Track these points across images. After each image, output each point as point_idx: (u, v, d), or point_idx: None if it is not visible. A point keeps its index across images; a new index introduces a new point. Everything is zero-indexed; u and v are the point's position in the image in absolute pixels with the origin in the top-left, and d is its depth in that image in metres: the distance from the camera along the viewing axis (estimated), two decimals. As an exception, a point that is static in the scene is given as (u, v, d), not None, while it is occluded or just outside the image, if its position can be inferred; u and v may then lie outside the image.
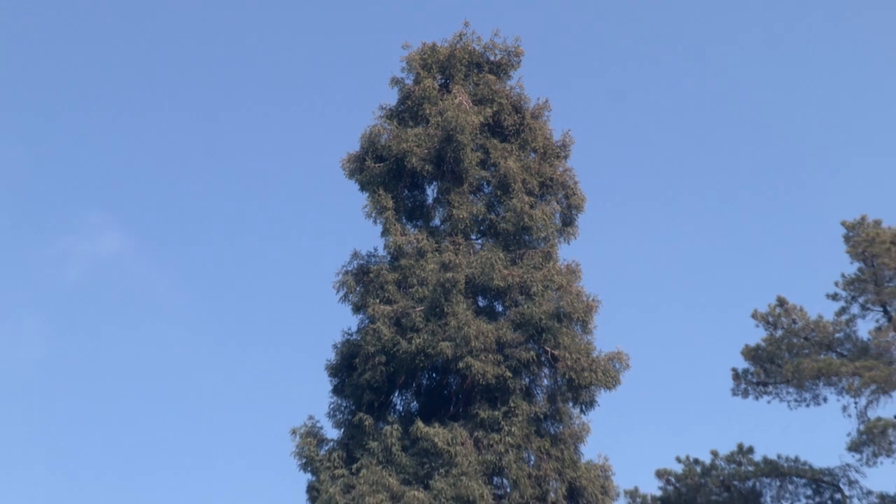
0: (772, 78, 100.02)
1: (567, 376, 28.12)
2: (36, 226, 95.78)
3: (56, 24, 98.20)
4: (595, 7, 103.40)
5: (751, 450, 38.57)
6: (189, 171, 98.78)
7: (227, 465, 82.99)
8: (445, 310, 28.04)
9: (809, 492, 38.53)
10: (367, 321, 29.16)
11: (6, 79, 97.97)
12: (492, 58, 33.22)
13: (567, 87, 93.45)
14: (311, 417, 29.17)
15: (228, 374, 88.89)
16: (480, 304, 29.35)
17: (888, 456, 37.29)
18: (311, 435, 28.66)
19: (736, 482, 38.13)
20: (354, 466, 27.09)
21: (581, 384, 28.21)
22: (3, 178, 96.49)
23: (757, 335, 39.75)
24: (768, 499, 38.46)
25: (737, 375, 39.85)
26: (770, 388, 39.20)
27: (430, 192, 31.72)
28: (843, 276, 38.86)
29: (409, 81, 32.50)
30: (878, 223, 38.43)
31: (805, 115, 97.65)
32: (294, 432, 28.68)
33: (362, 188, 31.13)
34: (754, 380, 39.48)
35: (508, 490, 27.02)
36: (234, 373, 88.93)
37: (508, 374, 27.58)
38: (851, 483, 38.30)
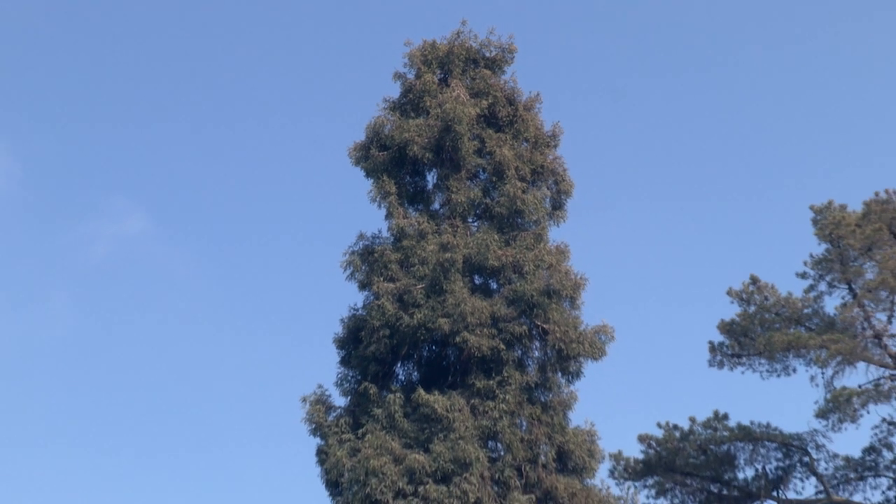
0: (748, 68, 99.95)
1: (556, 348, 28.22)
2: (64, 210, 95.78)
3: (84, 19, 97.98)
4: (583, 8, 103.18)
5: (726, 416, 38.69)
6: (206, 160, 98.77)
7: (242, 431, 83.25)
8: (444, 287, 28.14)
9: (780, 455, 38.67)
10: (372, 298, 29.23)
11: (37, 74, 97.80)
12: (487, 54, 33.23)
13: (557, 81, 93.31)
14: (320, 386, 29.30)
15: (243, 347, 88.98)
16: (476, 282, 29.45)
17: (852, 422, 37.44)
18: (321, 403, 28.77)
19: (712, 446, 38.25)
20: (360, 431, 27.20)
21: (569, 355, 28.32)
22: (34, 166, 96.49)
23: (732, 311, 39.88)
24: (742, 461, 38.62)
25: (713, 348, 39.94)
26: (744, 359, 39.28)
27: (430, 178, 31.80)
28: (811, 256, 38.97)
29: (411, 76, 32.54)
30: (843, 207, 38.48)
31: (780, 108, 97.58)
32: (304, 400, 28.78)
33: (367, 175, 31.19)
34: (729, 352, 39.58)
35: (502, 453, 27.13)
36: (248, 346, 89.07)
37: (502, 346, 27.69)
38: (818, 447, 38.45)
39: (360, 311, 29.77)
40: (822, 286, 38.68)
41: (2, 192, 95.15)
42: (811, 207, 39.05)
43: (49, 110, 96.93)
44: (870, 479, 38.65)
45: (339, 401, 29.00)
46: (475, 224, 30.78)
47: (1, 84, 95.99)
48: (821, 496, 38.32)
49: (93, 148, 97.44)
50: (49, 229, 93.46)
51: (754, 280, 39.62)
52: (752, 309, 39.33)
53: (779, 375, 38.92)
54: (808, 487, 38.58)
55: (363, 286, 29.84)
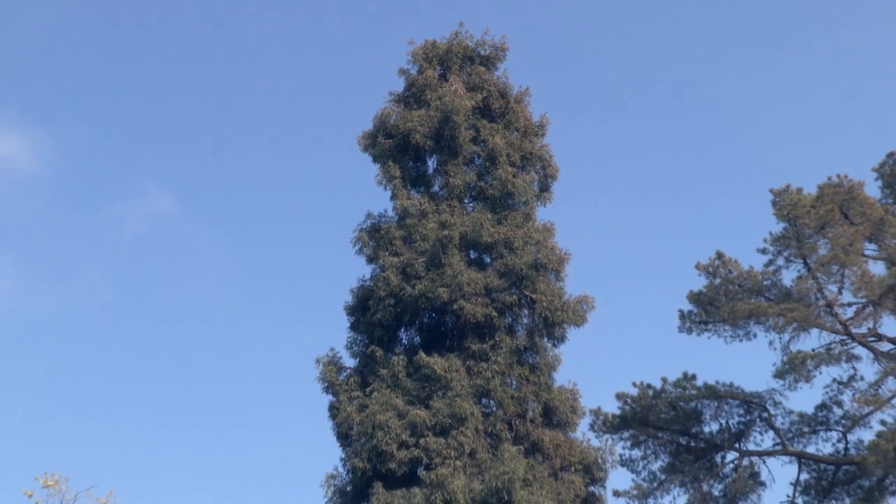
0: (721, 57, 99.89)
1: (543, 316, 28.29)
2: (99, 191, 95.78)
3: (114, 12, 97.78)
4: (570, 9, 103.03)
5: (694, 377, 38.72)
6: (227, 147, 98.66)
7: (262, 390, 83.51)
8: (443, 261, 28.19)
9: (741, 411, 38.74)
10: (378, 270, 29.29)
11: (74, 69, 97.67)
12: (482, 52, 33.18)
13: (546, 76, 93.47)
14: (332, 349, 29.41)
15: (262, 315, 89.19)
16: (472, 256, 29.49)
17: (806, 382, 37.50)
18: (332, 363, 28.85)
19: (681, 403, 38.32)
20: (368, 389, 27.29)
21: (554, 322, 28.40)
22: (70, 151, 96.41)
23: (699, 283, 39.80)
24: (707, 417, 38.66)
25: (683, 316, 39.91)
26: (710, 326, 39.26)
27: (431, 163, 31.81)
28: (770, 234, 38.88)
29: (414, 72, 32.50)
30: (799, 190, 38.43)
31: (747, 102, 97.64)
32: (318, 361, 28.86)
33: (375, 160, 31.20)
34: (697, 319, 39.57)
35: (494, 409, 27.24)
36: (267, 314, 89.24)
37: (494, 314, 27.76)
38: (776, 404, 38.50)
39: (367, 283, 29.83)
40: (780, 261, 38.63)
41: (43, 177, 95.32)
42: (771, 190, 38.97)
43: (84, 102, 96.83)
44: (821, 433, 38.76)
45: (349, 362, 29.14)
46: (471, 204, 30.81)
47: (41, 79, 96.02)
48: (777, 448, 38.43)
49: (124, 136, 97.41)
50: (85, 210, 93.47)
51: (720, 255, 39.59)
52: (718, 281, 39.32)
53: (741, 340, 38.92)
54: (767, 440, 38.69)
55: (370, 260, 29.90)
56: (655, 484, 38.81)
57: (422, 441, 25.73)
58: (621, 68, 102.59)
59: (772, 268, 38.88)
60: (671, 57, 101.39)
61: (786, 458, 38.57)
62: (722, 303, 38.57)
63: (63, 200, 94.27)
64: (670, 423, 38.44)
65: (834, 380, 38.65)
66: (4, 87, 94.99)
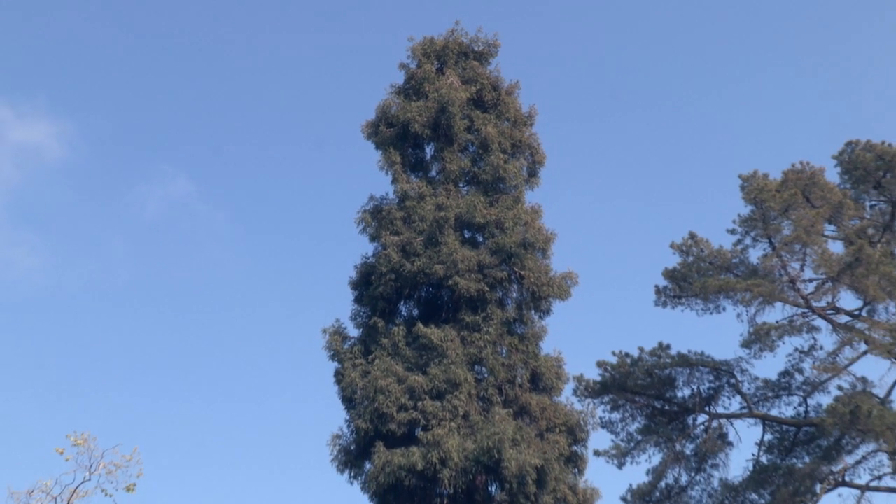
0: (695, 53, 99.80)
1: (531, 290, 28.29)
2: (121, 175, 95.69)
3: (132, 9, 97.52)
4: (557, 9, 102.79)
5: (668, 346, 38.72)
6: (241, 132, 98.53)
7: (272, 358, 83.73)
8: (439, 240, 28.15)
9: (711, 378, 38.77)
10: (380, 248, 29.25)
11: (96, 61, 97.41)
12: (476, 48, 33.03)
13: (535, 70, 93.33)
14: (337, 320, 29.36)
15: (272, 289, 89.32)
16: (466, 235, 29.45)
17: (770, 351, 37.57)
18: (338, 333, 28.83)
19: (656, 370, 38.35)
20: (370, 357, 27.29)
21: (541, 296, 28.40)
22: (94, 138, 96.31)
23: (674, 260, 39.77)
24: (680, 383, 38.70)
25: (658, 291, 39.90)
26: (683, 300, 39.26)
27: (428, 150, 31.71)
28: (738, 216, 38.85)
29: (413, 66, 32.36)
30: (766, 176, 38.38)
31: (722, 93, 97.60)
32: (325, 331, 28.85)
33: (377, 147, 31.09)
34: (671, 294, 39.55)
35: (486, 375, 27.25)
36: (277, 288, 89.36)
37: (486, 288, 27.74)
38: (743, 371, 38.54)
39: (370, 260, 29.79)
40: (748, 240, 38.61)
41: (69, 163, 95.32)
42: (739, 176, 38.92)
43: (107, 93, 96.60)
44: (784, 397, 38.85)
45: (353, 332, 29.11)
46: (465, 188, 30.73)
47: (67, 72, 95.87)
48: (744, 411, 38.52)
49: (143, 124, 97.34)
50: (108, 193, 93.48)
51: (692, 236, 39.55)
52: (691, 259, 39.29)
53: (711, 313, 38.92)
54: (734, 404, 38.76)
55: (373, 239, 29.86)
56: (632, 444, 38.91)
57: (419, 404, 25.75)
58: (604, 64, 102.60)
59: (740, 247, 38.87)
60: (649, 55, 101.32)
61: (751, 421, 38.67)
62: (694, 279, 38.57)
63: (88, 184, 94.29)
64: (646, 389, 38.48)
65: (796, 349, 38.73)
66: (34, 80, 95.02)
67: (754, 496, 36.92)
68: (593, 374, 38.60)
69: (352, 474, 26.80)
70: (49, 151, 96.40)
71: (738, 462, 41.18)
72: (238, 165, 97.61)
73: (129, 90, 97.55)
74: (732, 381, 38.53)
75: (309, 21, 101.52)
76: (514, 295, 29.01)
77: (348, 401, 27.32)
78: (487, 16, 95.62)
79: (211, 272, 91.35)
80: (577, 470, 27.63)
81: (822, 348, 37.98)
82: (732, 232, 39.17)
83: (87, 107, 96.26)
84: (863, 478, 36.09)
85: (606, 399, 38.94)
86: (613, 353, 39.07)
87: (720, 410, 38.79)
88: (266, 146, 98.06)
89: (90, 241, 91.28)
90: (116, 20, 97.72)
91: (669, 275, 39.71)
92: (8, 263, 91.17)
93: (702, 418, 38.82)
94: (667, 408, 38.76)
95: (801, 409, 38.60)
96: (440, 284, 28.41)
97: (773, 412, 38.66)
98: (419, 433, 25.71)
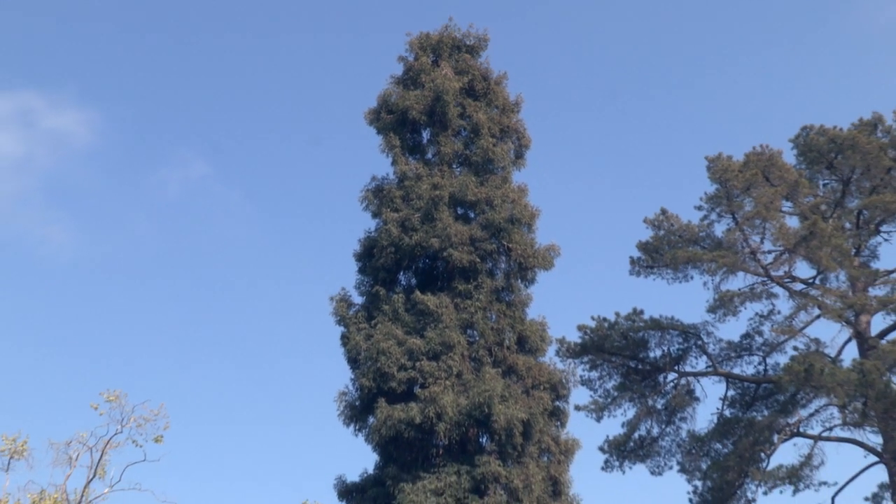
0: (670, 43, 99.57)
1: (517, 261, 28.23)
2: (145, 159, 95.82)
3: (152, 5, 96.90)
4: (542, 6, 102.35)
5: (641, 312, 38.77)
6: (252, 120, 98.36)
7: (283, 323, 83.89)
8: (435, 216, 28.05)
9: (680, 340, 38.87)
10: (381, 224, 29.13)
11: (117, 52, 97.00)
12: (468, 42, 32.77)
13: (521, 62, 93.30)
14: (343, 289, 29.28)
15: (282, 261, 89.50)
16: (459, 212, 29.34)
17: (733, 315, 37.70)
18: (344, 301, 28.77)
19: (631, 333, 38.42)
20: (373, 322, 27.26)
21: (527, 266, 28.34)
22: (119, 125, 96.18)
23: (647, 234, 39.80)
24: (652, 344, 38.79)
25: (633, 261, 39.93)
26: (655, 270, 39.30)
27: (425, 135, 31.48)
28: (705, 193, 38.84)
29: (411, 58, 32.10)
30: (729, 157, 38.31)
31: (692, 78, 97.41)
32: (332, 299, 28.76)
33: (378, 132, 30.90)
34: (644, 265, 39.57)
35: (477, 338, 27.24)
36: (288, 259, 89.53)
37: (477, 260, 27.68)
38: (708, 334, 38.66)
39: (372, 234, 29.69)
40: (713, 216, 38.63)
41: (96, 148, 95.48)
42: (706, 157, 38.86)
43: (129, 82, 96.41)
44: (745, 357, 39.01)
45: (358, 300, 29.05)
46: (458, 169, 30.59)
47: (93, 64, 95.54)
48: (709, 369, 38.65)
49: (164, 112, 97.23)
50: (133, 175, 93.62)
51: (663, 211, 39.53)
52: (662, 233, 39.30)
53: (680, 282, 39.00)
54: (700, 363, 38.91)
55: (375, 215, 29.75)
56: (609, 400, 39.05)
57: (417, 364, 25.76)
58: (584, 59, 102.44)
59: (706, 222, 38.89)
60: (624, 52, 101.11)
61: (716, 378, 38.84)
62: (665, 251, 38.60)
63: (114, 168, 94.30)
64: (622, 350, 38.57)
65: (756, 314, 38.89)
66: (64, 72, 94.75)
67: (718, 446, 37.15)
68: (574, 337, 38.69)
69: (357, 427, 26.83)
70: (78, 138, 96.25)
71: (703, 416, 41.32)
72: (251, 150, 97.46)
73: (151, 82, 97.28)
74: (699, 342, 38.65)
75: (314, 18, 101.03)
76: (503, 266, 28.95)
77: (353, 361, 27.30)
78: (478, 12, 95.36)
79: (227, 246, 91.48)
80: (559, 423, 27.69)
81: (779, 313, 38.13)
82: (699, 208, 39.18)
83: (113, 97, 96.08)
84: (815, 429, 36.36)
85: (586, 359, 39.03)
86: (592, 318, 39.15)
87: (688, 369, 38.95)
88: (276, 132, 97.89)
89: (117, 219, 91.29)
90: (137, 19, 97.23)
91: (643, 247, 39.73)
92: (43, 240, 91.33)
93: (671, 376, 38.98)
94: (640, 367, 38.88)
95: (761, 368, 38.77)
96: (436, 256, 28.34)
97: (736, 370, 38.82)
98: (417, 390, 25.72)
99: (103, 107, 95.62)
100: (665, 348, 38.84)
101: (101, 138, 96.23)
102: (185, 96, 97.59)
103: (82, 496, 28.68)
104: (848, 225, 38.50)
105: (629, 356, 38.75)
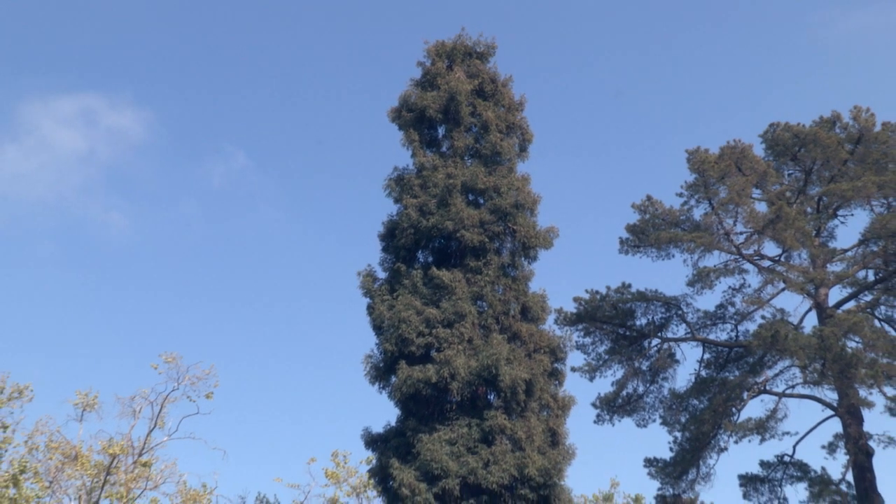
0: (660, 40, 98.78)
1: (521, 242, 28.01)
2: (192, 152, 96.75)
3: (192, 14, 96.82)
4: (543, 14, 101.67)
5: (629, 286, 38.68)
6: (288, 118, 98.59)
7: (317, 297, 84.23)
8: (449, 202, 27.83)
9: (664, 310, 38.76)
10: (402, 209, 28.94)
11: (167, 59, 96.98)
12: (478, 49, 32.40)
13: (525, 66, 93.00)
14: (369, 265, 29.12)
15: (315, 242, 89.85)
16: (470, 198, 29.10)
17: (710, 289, 37.58)
18: (369, 275, 28.63)
19: (620, 304, 38.34)
20: (395, 294, 27.12)
21: (529, 246, 28.13)
22: (169, 123, 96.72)
23: (634, 217, 39.62)
24: (639, 314, 38.74)
25: (622, 242, 39.77)
26: (641, 249, 39.14)
27: (440, 131, 31.19)
28: (685, 182, 38.62)
29: (428, 64, 31.79)
30: (707, 150, 38.06)
31: (672, 76, 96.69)
32: (359, 274, 28.62)
33: (400, 128, 30.63)
34: (632, 244, 39.41)
35: (486, 308, 27.07)
36: (319, 241, 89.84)
37: (486, 240, 27.48)
38: (688, 305, 38.58)
39: (394, 217, 29.50)
40: (692, 202, 38.42)
41: (150, 142, 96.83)
42: (686, 150, 38.61)
43: (178, 85, 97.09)
44: (720, 325, 38.95)
45: (381, 275, 28.88)
46: (469, 161, 30.34)
47: (146, 70, 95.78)
48: (688, 335, 38.57)
49: (208, 110, 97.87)
50: (183, 166, 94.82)
51: (648, 198, 39.31)
52: (647, 216, 39.11)
53: (663, 259, 38.84)
54: (681, 330, 38.87)
55: (396, 201, 29.54)
56: (601, 362, 39.02)
57: (434, 331, 25.64)
58: (581, 64, 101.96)
59: (686, 206, 38.68)
60: (617, 56, 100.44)
61: (694, 343, 38.78)
62: (650, 232, 38.43)
63: (166, 160, 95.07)
64: (612, 319, 38.48)
65: (729, 287, 38.78)
66: (122, 77, 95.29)
67: (695, 402, 37.08)
68: (570, 307, 38.61)
69: (381, 386, 26.75)
70: (134, 134, 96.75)
71: (683, 376, 41.42)
72: (286, 144, 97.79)
73: (198, 84, 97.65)
74: (679, 312, 38.53)
75: (341, 29, 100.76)
76: (508, 245, 28.74)
77: (378, 328, 27.18)
78: (486, 21, 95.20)
79: (266, 228, 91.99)
80: (557, 382, 27.54)
81: (749, 286, 37.99)
82: (680, 195, 38.97)
83: (164, 98, 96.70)
84: (780, 387, 36.35)
85: (580, 327, 38.97)
86: (586, 291, 39.06)
87: (669, 335, 38.87)
88: (309, 129, 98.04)
89: (168, 205, 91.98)
90: (187, 29, 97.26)
91: (630, 229, 39.54)
92: (104, 224, 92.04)
93: (655, 342, 38.89)
94: (628, 333, 38.79)
95: (733, 334, 38.64)
96: (450, 237, 28.14)
97: (711, 336, 38.72)
98: (433, 354, 25.61)
99: (156, 106, 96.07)
100: (650, 317, 38.74)
101: (154, 134, 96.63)
102: (227, 97, 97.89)
103: (145, 444, 28.81)
104: (809, 210, 38.25)
105: (618, 324, 38.67)
